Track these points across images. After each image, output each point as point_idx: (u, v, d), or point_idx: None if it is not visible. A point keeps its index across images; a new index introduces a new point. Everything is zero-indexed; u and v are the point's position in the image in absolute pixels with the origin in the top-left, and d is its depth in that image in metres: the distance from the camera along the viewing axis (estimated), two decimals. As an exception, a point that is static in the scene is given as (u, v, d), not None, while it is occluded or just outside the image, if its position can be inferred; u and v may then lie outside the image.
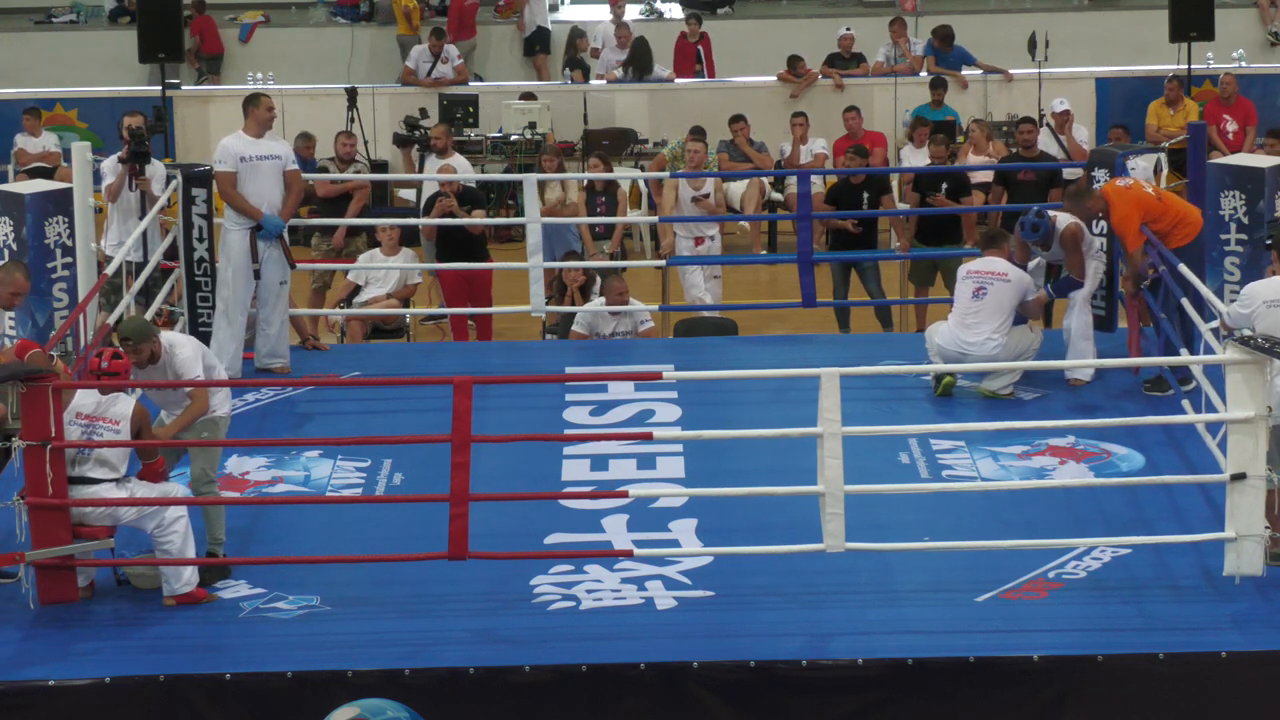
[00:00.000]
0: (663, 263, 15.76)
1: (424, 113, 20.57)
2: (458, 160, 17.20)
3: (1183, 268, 11.62)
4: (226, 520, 9.96)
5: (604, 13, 23.42)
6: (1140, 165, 14.68)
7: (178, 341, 10.06)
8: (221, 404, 10.13)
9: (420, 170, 18.17)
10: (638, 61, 22.35)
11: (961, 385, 12.29)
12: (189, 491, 10.13)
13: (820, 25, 23.52)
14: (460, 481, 9.33)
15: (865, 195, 15.92)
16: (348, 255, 15.85)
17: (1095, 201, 12.15)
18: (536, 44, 23.70)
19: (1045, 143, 18.81)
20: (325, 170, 16.77)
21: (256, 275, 12.61)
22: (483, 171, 19.93)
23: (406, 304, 15.28)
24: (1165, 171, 17.55)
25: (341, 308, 15.09)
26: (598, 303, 14.12)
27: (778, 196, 20.12)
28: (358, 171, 16.84)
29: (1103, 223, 12.67)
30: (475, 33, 23.53)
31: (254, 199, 12.53)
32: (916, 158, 18.48)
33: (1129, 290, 12.28)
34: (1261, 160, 13.47)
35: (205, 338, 12.41)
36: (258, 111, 12.60)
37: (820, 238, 18.10)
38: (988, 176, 17.25)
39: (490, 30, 23.99)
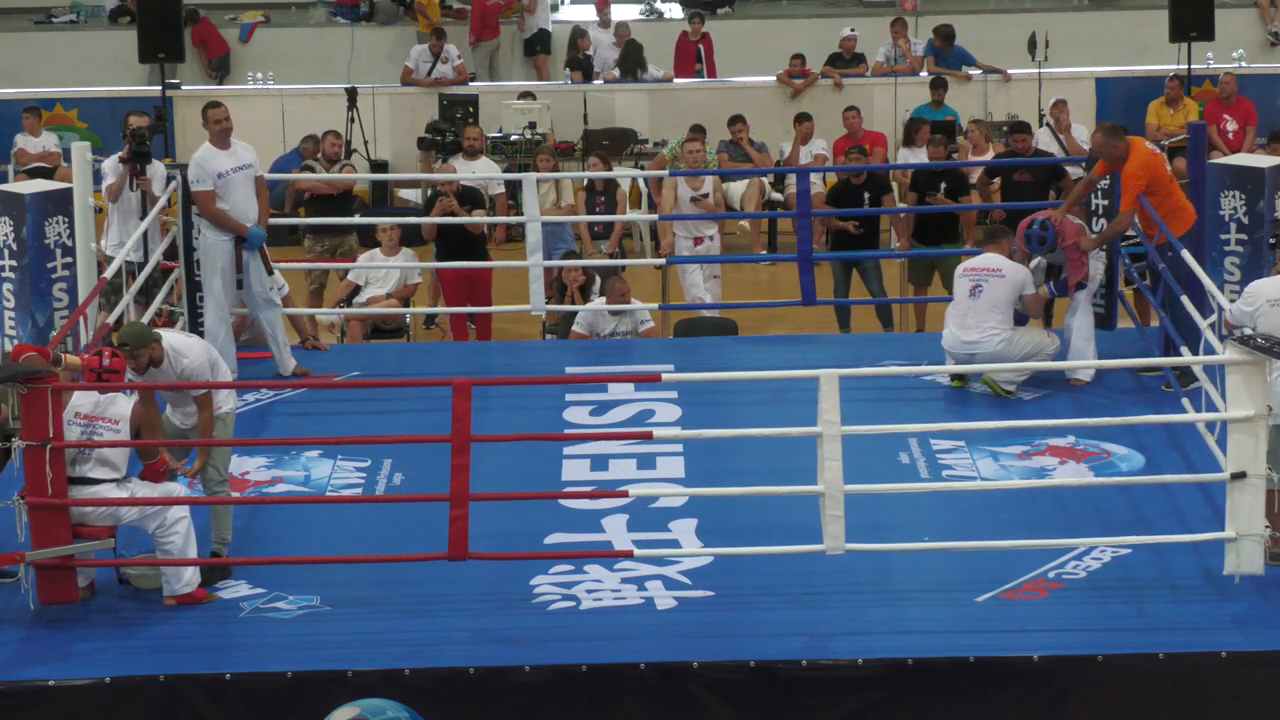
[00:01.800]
0: (662, 262, 15.76)
1: (453, 120, 20.50)
2: (485, 163, 17.23)
3: (1185, 254, 11.61)
4: (226, 520, 9.98)
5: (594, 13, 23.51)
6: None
7: (181, 348, 10.03)
8: (227, 400, 10.14)
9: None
10: (626, 61, 22.36)
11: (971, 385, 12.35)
12: (190, 491, 10.13)
13: (820, 25, 23.51)
14: (460, 483, 9.33)
15: (866, 195, 15.92)
16: (343, 254, 15.84)
17: (1122, 145, 12.14)
18: (537, 45, 23.70)
19: (1045, 142, 18.80)
20: (311, 169, 16.74)
21: (240, 286, 12.61)
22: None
23: (406, 304, 15.28)
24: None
25: (341, 308, 15.09)
26: (598, 303, 14.12)
27: (778, 196, 20.11)
28: (343, 171, 16.84)
29: (1103, 221, 12.68)
30: (499, 32, 23.55)
31: (233, 212, 12.50)
32: (915, 158, 18.47)
33: (1088, 247, 12.28)
34: (1261, 160, 13.47)
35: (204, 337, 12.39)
36: (208, 125, 12.54)
37: (820, 238, 18.10)
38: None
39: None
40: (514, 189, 17.71)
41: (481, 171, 16.80)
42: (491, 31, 23.44)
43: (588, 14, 24.00)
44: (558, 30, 23.89)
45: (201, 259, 12.59)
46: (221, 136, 12.51)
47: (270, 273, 12.75)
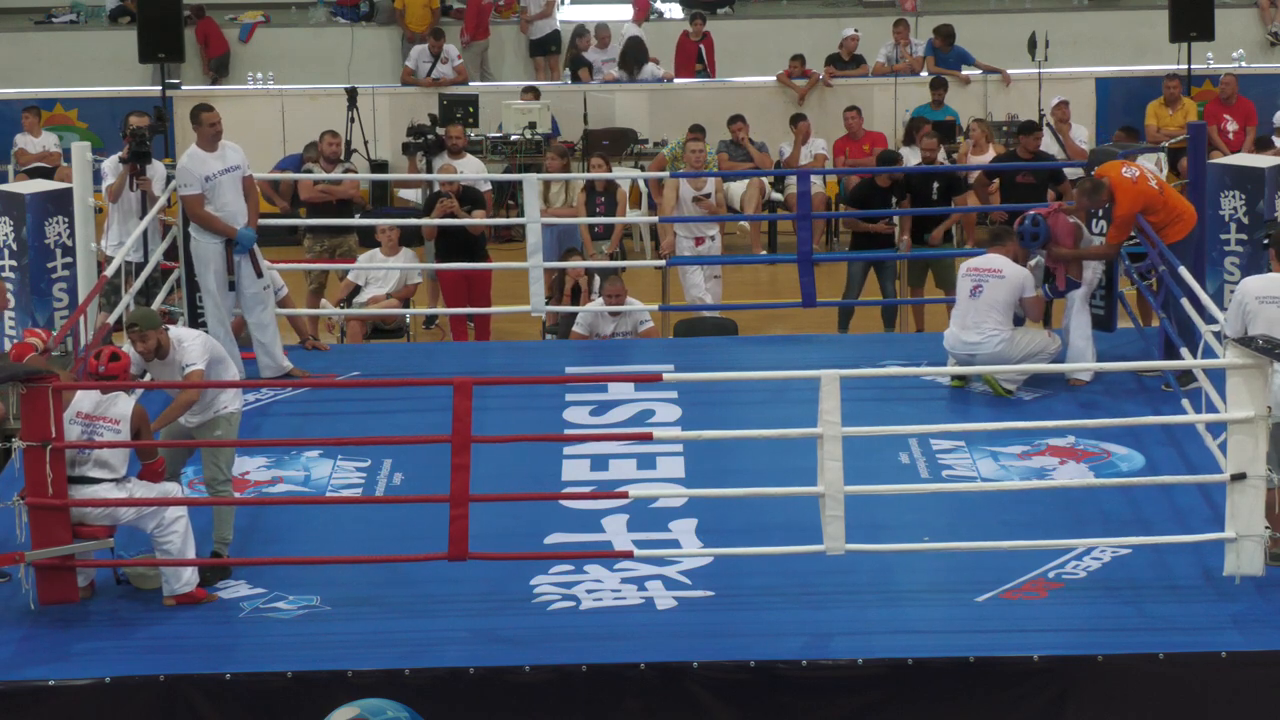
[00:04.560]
0: (663, 263, 15.76)
1: (434, 119, 20.54)
2: (470, 161, 17.19)
3: (1182, 270, 11.64)
4: (226, 520, 9.98)
5: (609, 12, 23.43)
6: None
7: (186, 336, 10.08)
8: (233, 400, 10.14)
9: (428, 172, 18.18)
10: (626, 58, 22.35)
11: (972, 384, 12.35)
12: (189, 492, 10.13)
13: (820, 25, 23.52)
14: (460, 483, 9.33)
15: (894, 199, 15.86)
16: (342, 255, 15.84)
17: (1103, 195, 12.19)
18: (551, 45, 23.66)
19: (1046, 143, 18.79)
20: (310, 171, 16.72)
21: (232, 287, 12.54)
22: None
23: (406, 304, 15.27)
24: (1165, 171, 17.55)
25: (341, 308, 15.08)
26: (598, 303, 14.13)
27: (778, 196, 20.11)
28: (346, 171, 16.82)
29: (1103, 223, 12.69)
30: (489, 33, 23.55)
31: (222, 214, 12.43)
32: (916, 157, 18.47)
33: (1063, 257, 12.28)
34: (1261, 160, 13.48)
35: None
36: (202, 127, 12.41)
37: (844, 238, 18.06)
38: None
39: (498, 30, 23.95)
40: (514, 189, 17.70)
41: (469, 170, 16.76)
42: (483, 32, 23.43)
43: (588, 14, 23.98)
44: (566, 31, 23.86)
45: (195, 262, 12.54)
46: (212, 139, 12.38)
47: (259, 275, 12.60)
